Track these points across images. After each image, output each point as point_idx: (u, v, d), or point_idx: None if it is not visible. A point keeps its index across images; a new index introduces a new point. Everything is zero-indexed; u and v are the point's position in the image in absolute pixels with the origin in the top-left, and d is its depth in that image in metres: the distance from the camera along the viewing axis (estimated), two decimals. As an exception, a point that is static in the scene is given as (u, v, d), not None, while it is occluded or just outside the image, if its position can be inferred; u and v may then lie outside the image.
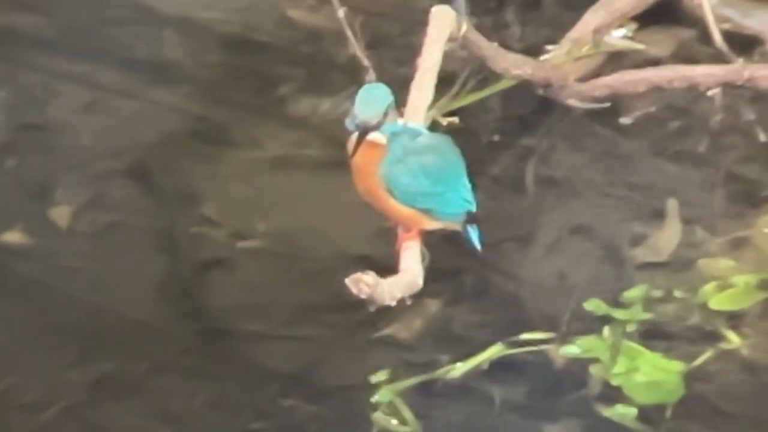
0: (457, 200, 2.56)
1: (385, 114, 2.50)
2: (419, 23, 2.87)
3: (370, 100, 2.50)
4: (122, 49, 3.22)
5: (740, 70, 3.01)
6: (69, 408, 2.66)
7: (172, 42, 3.24)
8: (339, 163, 2.61)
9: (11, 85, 3.17)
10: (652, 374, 2.67)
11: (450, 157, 2.57)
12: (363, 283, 2.40)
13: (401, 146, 2.52)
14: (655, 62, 3.11)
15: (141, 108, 3.12)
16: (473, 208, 2.57)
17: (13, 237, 2.91)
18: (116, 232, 2.92)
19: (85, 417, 2.65)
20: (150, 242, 2.90)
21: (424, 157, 2.53)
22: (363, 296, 2.41)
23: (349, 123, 2.53)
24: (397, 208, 2.53)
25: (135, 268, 2.86)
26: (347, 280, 2.40)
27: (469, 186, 2.57)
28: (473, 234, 2.59)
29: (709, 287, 2.78)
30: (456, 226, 2.59)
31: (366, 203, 2.59)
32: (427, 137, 2.57)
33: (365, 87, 2.53)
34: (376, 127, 2.51)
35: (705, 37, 3.13)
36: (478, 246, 2.58)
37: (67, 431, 2.64)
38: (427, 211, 2.54)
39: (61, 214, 2.95)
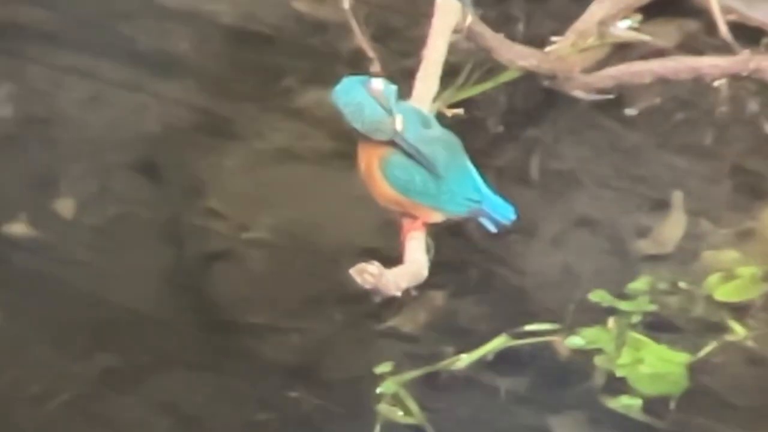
0: (457, 199, 2.54)
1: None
2: (424, 15, 2.86)
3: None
4: (127, 42, 3.22)
5: (746, 61, 3.00)
6: (73, 400, 2.66)
7: (176, 35, 3.24)
8: (344, 155, 2.62)
9: (17, 78, 3.17)
10: (656, 366, 2.67)
11: (454, 154, 2.55)
12: (367, 274, 2.40)
13: (409, 133, 2.50)
14: (660, 53, 3.10)
15: (146, 101, 3.12)
16: (478, 206, 2.54)
17: (17, 228, 2.91)
18: (121, 224, 2.92)
19: (89, 409, 2.66)
20: (155, 234, 2.90)
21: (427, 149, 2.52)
22: (368, 287, 2.41)
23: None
24: (390, 194, 2.52)
25: (140, 260, 2.86)
26: (352, 271, 2.40)
27: (475, 184, 2.54)
28: (487, 222, 2.57)
29: (714, 279, 2.77)
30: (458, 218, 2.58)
31: (370, 195, 2.59)
32: (436, 132, 2.55)
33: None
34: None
35: (710, 28, 3.12)
36: (493, 229, 2.56)
37: (71, 423, 2.64)
38: (421, 204, 2.53)
39: (65, 206, 2.95)
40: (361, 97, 2.46)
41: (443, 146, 2.53)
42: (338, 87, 2.49)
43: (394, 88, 2.50)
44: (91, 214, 2.94)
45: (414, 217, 2.56)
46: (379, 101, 2.47)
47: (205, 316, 2.78)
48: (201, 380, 2.68)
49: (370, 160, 2.50)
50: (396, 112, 2.47)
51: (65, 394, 2.67)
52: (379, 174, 2.50)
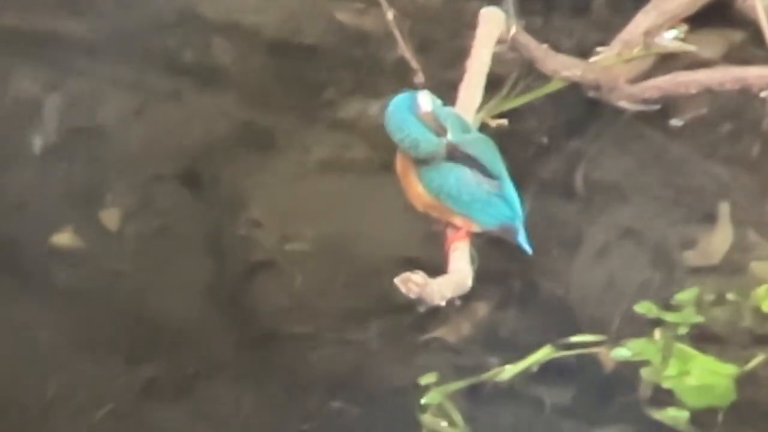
0: (489, 211, 2.52)
1: None
2: (468, 26, 2.86)
3: None
4: (170, 55, 3.23)
5: (793, 71, 2.99)
6: (117, 411, 2.67)
7: (219, 47, 3.25)
8: (386, 167, 2.61)
9: (61, 90, 3.18)
10: (703, 378, 2.65)
11: (496, 159, 2.55)
12: (412, 283, 2.40)
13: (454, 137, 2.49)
14: (706, 64, 3.09)
15: (189, 113, 3.13)
16: (512, 222, 2.53)
17: (63, 239, 2.92)
18: (165, 235, 2.93)
19: (133, 420, 2.66)
20: (198, 246, 2.91)
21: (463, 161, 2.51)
22: (412, 296, 2.41)
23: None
24: (424, 196, 2.51)
25: (182, 271, 2.87)
26: (396, 280, 2.40)
27: (511, 198, 2.53)
28: (522, 237, 2.57)
29: (762, 290, 2.76)
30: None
31: (412, 206, 2.58)
32: (475, 135, 2.54)
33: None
34: None
35: (757, 38, 3.10)
36: (528, 249, 2.56)
37: (114, 434, 2.65)
38: (453, 210, 2.52)
39: (110, 218, 2.96)
40: (415, 129, 2.46)
41: (486, 148, 2.52)
42: (389, 118, 2.47)
43: (439, 102, 2.50)
44: (136, 225, 2.95)
45: (457, 227, 2.55)
46: (430, 126, 2.46)
47: (248, 327, 2.78)
48: (243, 391, 2.68)
49: (406, 162, 2.51)
50: (445, 122, 2.47)
51: (109, 404, 2.67)
52: (414, 175, 2.50)
